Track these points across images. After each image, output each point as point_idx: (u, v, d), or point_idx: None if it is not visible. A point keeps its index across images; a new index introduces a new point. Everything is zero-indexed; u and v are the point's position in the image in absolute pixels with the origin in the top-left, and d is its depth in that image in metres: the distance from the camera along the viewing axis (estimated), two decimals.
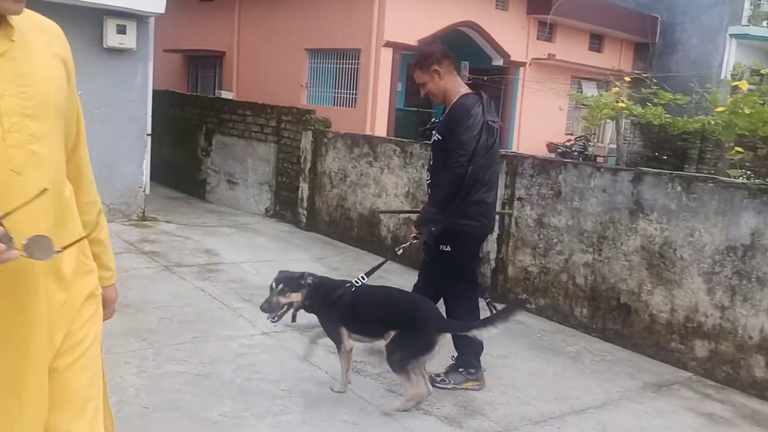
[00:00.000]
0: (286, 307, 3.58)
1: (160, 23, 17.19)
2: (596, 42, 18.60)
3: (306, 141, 7.85)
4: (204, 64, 17.20)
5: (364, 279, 3.67)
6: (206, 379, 3.72)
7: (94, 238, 1.69)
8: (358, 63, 13.20)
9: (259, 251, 6.74)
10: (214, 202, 9.22)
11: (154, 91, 7.24)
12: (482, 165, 3.62)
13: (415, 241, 3.82)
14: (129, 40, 6.92)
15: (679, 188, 4.50)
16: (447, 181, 3.62)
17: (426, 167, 4.22)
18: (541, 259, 5.36)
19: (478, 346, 3.80)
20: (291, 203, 8.12)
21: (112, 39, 6.82)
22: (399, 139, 7.48)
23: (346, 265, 6.41)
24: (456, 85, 3.78)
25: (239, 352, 4.13)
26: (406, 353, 3.44)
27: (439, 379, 3.84)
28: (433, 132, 3.88)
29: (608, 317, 4.92)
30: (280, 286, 3.59)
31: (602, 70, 17.38)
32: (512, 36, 15.71)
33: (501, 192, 5.57)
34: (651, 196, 4.65)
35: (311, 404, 3.54)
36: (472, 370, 3.87)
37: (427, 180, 3.96)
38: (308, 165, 7.83)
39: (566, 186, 5.18)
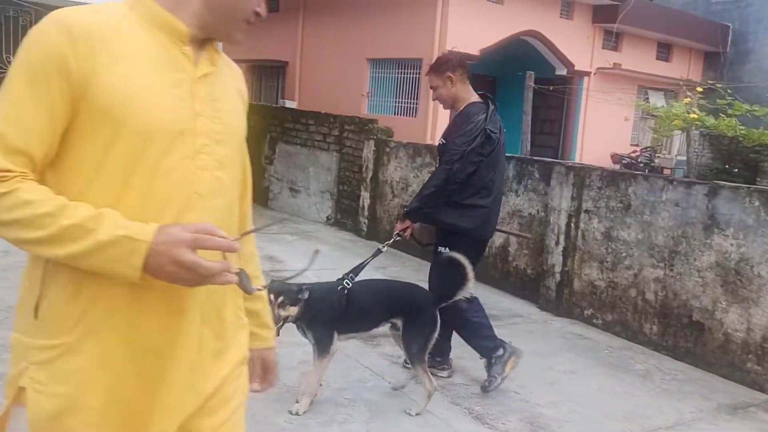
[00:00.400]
0: (282, 321, 3.36)
1: None
2: (664, 51, 18.13)
3: (368, 150, 7.89)
4: (268, 74, 17.52)
5: (352, 278, 3.63)
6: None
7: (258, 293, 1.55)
8: (419, 72, 13.20)
9: (321, 260, 6.77)
10: (277, 210, 9.35)
11: None
12: (475, 170, 3.69)
13: (398, 238, 4.02)
14: None
15: (757, 203, 4.32)
16: (434, 177, 3.80)
17: None
18: (609, 273, 5.23)
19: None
20: (352, 212, 8.17)
21: None
22: None
23: (405, 275, 6.38)
24: (467, 94, 3.88)
25: (304, 359, 4.15)
26: (420, 340, 3.51)
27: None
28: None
29: (680, 335, 4.75)
30: (280, 298, 3.33)
31: (670, 80, 16.91)
32: (577, 45, 15.46)
33: (567, 203, 5.46)
34: (727, 211, 4.48)
35: (375, 414, 3.53)
36: (438, 358, 4.00)
37: None
38: (370, 174, 7.86)
39: (636, 199, 5.04)
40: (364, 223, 7.96)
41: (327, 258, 6.88)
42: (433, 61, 4.01)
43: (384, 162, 7.74)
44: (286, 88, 16.13)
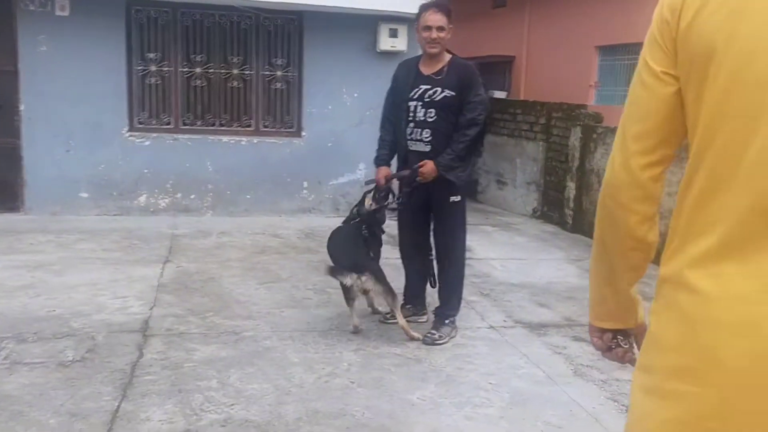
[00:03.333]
0: None
1: (457, 32, 17.78)
2: None
3: (575, 137, 7.44)
4: (494, 70, 17.40)
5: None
6: (418, 363, 3.70)
7: None
8: None
9: (513, 249, 6.56)
10: (484, 203, 9.23)
11: None
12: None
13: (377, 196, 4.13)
14: (400, 43, 7.28)
15: None
16: (472, 137, 3.86)
17: (412, 123, 3.96)
18: None
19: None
20: (558, 203, 7.77)
21: (384, 43, 7.25)
22: None
23: None
24: None
25: (460, 343, 4.04)
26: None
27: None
28: (430, 89, 3.88)
29: None
30: None
31: None
32: None
33: None
34: None
35: (517, 402, 3.30)
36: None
37: (427, 138, 3.92)
38: (576, 163, 7.41)
39: None
40: (569, 215, 7.52)
41: (521, 249, 6.63)
42: (442, 3, 3.94)
43: (591, 149, 7.23)
44: (512, 82, 15.89)
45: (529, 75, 15.31)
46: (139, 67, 7.01)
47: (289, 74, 7.36)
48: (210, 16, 7.09)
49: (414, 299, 4.32)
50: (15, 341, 3.66)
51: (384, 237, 4.33)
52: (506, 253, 6.35)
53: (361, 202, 4.25)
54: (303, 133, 7.40)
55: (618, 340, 1.41)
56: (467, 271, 5.63)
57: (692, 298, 1.08)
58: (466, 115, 3.84)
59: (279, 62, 7.32)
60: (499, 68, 16.74)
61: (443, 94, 3.87)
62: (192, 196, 7.23)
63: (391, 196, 4.24)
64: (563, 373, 3.67)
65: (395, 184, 4.28)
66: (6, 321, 3.94)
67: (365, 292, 4.01)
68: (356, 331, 4.05)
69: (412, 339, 3.98)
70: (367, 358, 3.72)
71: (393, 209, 4.30)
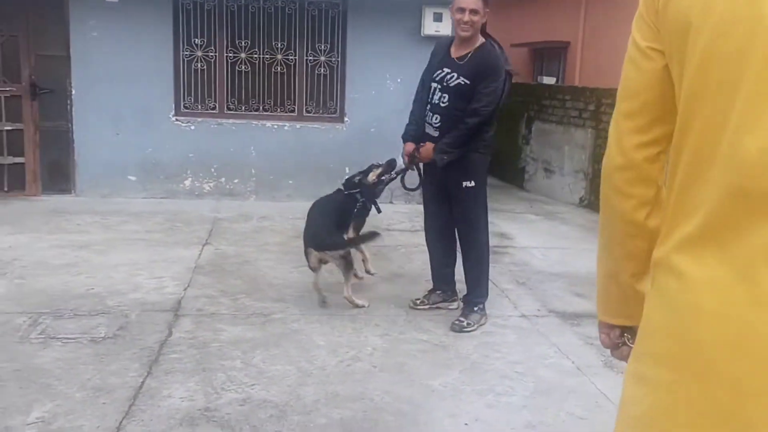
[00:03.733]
0: None
1: (509, 18, 17.50)
2: None
3: None
4: (549, 56, 17.06)
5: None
6: (443, 350, 3.66)
7: None
8: None
9: (556, 239, 6.42)
10: (531, 191, 9.07)
11: None
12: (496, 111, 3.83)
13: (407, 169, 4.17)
14: (445, 28, 7.17)
15: None
16: (470, 126, 3.75)
17: (428, 106, 3.94)
18: None
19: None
20: None
21: (429, 27, 7.16)
22: None
23: None
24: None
25: (488, 330, 3.98)
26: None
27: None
28: (449, 73, 3.81)
29: None
30: None
31: None
32: None
33: None
34: None
35: (541, 391, 3.23)
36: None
37: (436, 123, 3.88)
38: None
39: None
40: None
41: (564, 238, 6.48)
42: None
43: None
44: (567, 69, 15.53)
45: (584, 61, 14.92)
46: (186, 53, 7.13)
47: (333, 59, 7.36)
48: (255, 2, 7.14)
49: (442, 285, 4.27)
50: (52, 317, 3.78)
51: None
52: (548, 242, 6.22)
53: (366, 172, 4.33)
54: (346, 119, 7.40)
55: (626, 338, 1.35)
56: (506, 258, 5.59)
57: (676, 283, 1.04)
58: (472, 105, 3.75)
59: (322, 47, 7.33)
60: (553, 54, 16.39)
61: (458, 81, 3.78)
62: (235, 181, 7.33)
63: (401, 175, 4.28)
64: (593, 364, 3.57)
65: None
66: (46, 297, 4.08)
67: (324, 262, 4.12)
68: (323, 305, 4.14)
69: (356, 307, 4.10)
70: (392, 344, 3.70)
71: (409, 189, 4.34)
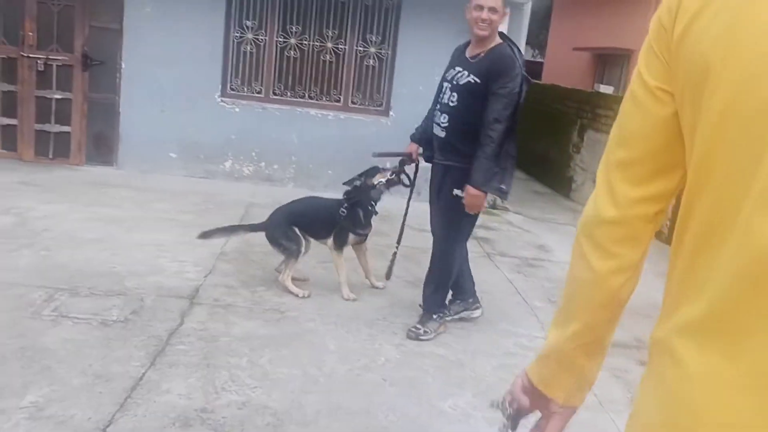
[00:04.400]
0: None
1: (573, 22, 17.01)
2: None
3: None
4: (611, 62, 16.56)
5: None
6: (459, 367, 3.50)
7: None
8: None
9: None
10: (577, 201, 8.77)
11: (540, 84, 7.09)
12: (517, 116, 3.60)
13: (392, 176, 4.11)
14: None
15: None
16: (498, 136, 3.51)
17: (438, 105, 3.75)
18: None
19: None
20: None
21: None
22: None
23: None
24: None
25: (510, 351, 3.80)
26: None
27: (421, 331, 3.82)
28: (460, 72, 3.64)
29: None
30: None
31: None
32: None
33: None
34: None
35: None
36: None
37: (444, 123, 3.68)
38: None
39: None
40: (666, 224, 6.98)
41: None
42: None
43: None
44: (628, 78, 15.01)
45: None
46: (237, 34, 7.07)
47: (383, 51, 7.21)
48: None
49: (460, 293, 4.10)
50: (68, 294, 3.76)
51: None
52: None
53: (368, 173, 4.22)
54: (391, 113, 7.25)
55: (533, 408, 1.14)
56: (540, 273, 5.38)
57: (676, 371, 0.87)
58: (488, 114, 3.51)
59: (373, 39, 7.18)
60: (615, 61, 15.89)
61: (467, 79, 3.59)
62: (275, 166, 7.26)
63: (403, 176, 4.15)
64: (617, 399, 3.37)
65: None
66: (66, 272, 4.06)
67: None
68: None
69: (298, 296, 4.12)
70: (406, 356, 3.55)
71: (405, 185, 4.17)
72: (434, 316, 3.86)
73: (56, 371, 2.92)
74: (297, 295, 4.14)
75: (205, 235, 4.24)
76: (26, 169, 6.63)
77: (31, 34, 6.82)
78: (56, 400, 2.70)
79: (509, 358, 3.69)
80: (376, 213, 4.28)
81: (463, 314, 4.07)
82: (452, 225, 3.80)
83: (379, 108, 7.30)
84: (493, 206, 7.47)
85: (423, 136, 3.97)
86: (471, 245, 5.89)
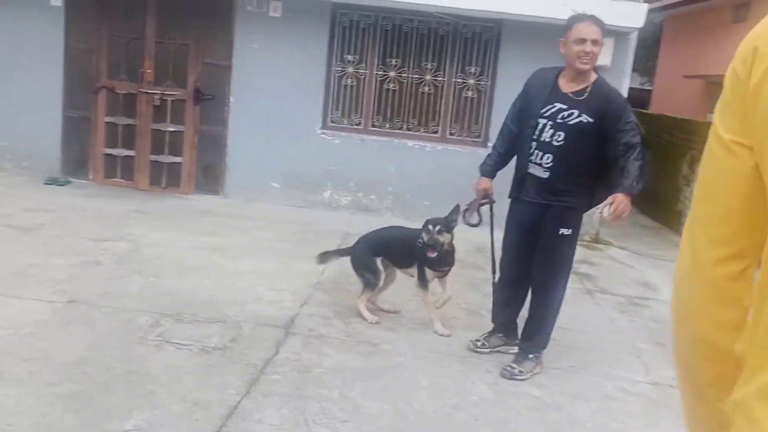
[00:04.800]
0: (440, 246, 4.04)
1: (683, 48, 16.34)
2: None
3: None
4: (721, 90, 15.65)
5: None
6: (556, 410, 3.37)
7: None
8: None
9: None
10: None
11: (648, 114, 6.81)
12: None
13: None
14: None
15: None
16: (639, 154, 3.41)
17: (535, 143, 3.56)
18: None
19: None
20: None
21: None
22: None
23: None
24: None
25: (611, 395, 3.62)
26: None
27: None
28: (565, 110, 3.51)
29: None
30: (437, 227, 4.04)
31: None
32: None
33: None
34: None
35: None
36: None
37: (548, 163, 3.55)
38: None
39: None
40: None
41: None
42: (597, 18, 3.50)
43: None
44: None
45: None
46: (338, 69, 7.27)
47: (482, 83, 7.19)
48: (409, 22, 7.14)
49: (505, 328, 3.98)
50: (173, 320, 3.93)
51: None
52: None
53: (452, 212, 4.08)
54: (489, 144, 7.17)
55: None
56: (645, 312, 5.13)
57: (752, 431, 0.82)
58: (620, 140, 3.43)
59: (472, 70, 7.18)
60: None
61: (579, 119, 3.48)
62: (372, 197, 7.35)
63: (475, 216, 3.98)
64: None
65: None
66: (171, 299, 4.25)
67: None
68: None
69: (368, 322, 4.16)
70: (500, 395, 3.46)
71: (472, 225, 4.00)
72: (530, 356, 3.75)
73: (158, 396, 3.04)
74: (367, 321, 4.18)
75: (323, 258, 4.53)
76: (141, 198, 7.04)
77: (149, 71, 7.29)
78: (157, 425, 2.81)
79: (609, 403, 3.52)
80: (451, 249, 4.15)
81: (501, 348, 3.97)
82: (556, 263, 3.70)
83: (477, 139, 7.26)
84: (596, 240, 7.23)
85: (495, 171, 3.90)
86: (572, 281, 5.73)
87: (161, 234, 5.73)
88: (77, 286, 4.29)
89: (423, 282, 4.17)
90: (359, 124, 7.36)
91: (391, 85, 7.28)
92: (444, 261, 4.12)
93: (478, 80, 7.19)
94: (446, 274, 4.21)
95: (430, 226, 4.06)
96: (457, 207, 4.07)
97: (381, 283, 4.27)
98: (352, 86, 7.30)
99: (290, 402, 3.12)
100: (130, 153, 7.44)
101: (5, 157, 7.38)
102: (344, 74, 7.29)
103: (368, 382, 3.42)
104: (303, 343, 3.80)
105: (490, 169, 3.94)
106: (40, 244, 5.14)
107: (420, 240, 4.06)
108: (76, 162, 7.47)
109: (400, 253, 4.29)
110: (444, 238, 4.04)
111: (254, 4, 7.09)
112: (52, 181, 7.18)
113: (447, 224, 4.08)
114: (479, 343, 3.96)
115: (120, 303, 4.09)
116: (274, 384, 3.28)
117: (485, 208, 4.01)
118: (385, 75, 7.26)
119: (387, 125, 7.34)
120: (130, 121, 7.40)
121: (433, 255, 4.01)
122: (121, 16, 7.25)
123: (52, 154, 7.37)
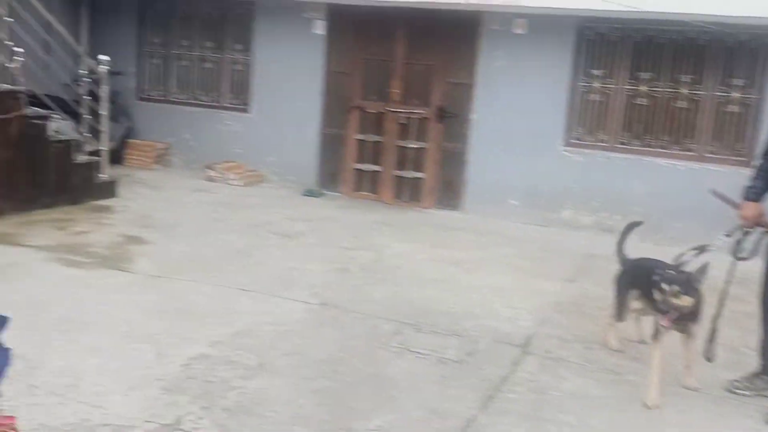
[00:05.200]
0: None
1: None
2: None
3: None
4: None
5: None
6: None
7: None
8: None
9: None
10: None
11: None
12: None
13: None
14: None
15: None
16: None
17: None
18: None
19: None
20: None
21: None
22: None
23: None
24: None
25: None
26: None
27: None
28: None
29: None
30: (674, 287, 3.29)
31: None
32: None
33: None
34: None
35: None
36: None
37: None
38: None
39: None
40: None
41: None
42: None
43: None
44: None
45: None
46: (582, 83, 7.04)
47: (749, 96, 6.49)
48: (663, 34, 6.70)
49: None
50: (413, 329, 4.07)
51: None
52: None
53: (690, 282, 3.32)
54: (753, 163, 6.45)
55: None
56: None
57: None
58: None
59: (737, 83, 6.52)
60: None
61: None
62: (617, 217, 6.95)
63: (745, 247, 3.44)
64: None
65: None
66: (413, 308, 4.41)
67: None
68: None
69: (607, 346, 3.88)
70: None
71: (741, 258, 3.48)
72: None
73: (398, 400, 3.17)
74: (607, 345, 3.97)
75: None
76: (385, 211, 7.44)
77: (396, 91, 7.70)
78: (398, 428, 2.93)
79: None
80: (680, 293, 3.30)
81: (766, 393, 3.45)
82: None
83: (741, 159, 6.56)
84: None
85: (765, 192, 3.49)
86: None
87: (403, 245, 6.00)
88: (329, 291, 4.65)
89: (655, 333, 3.44)
90: (604, 141, 7.05)
91: (642, 100, 6.87)
92: (671, 306, 3.33)
93: (745, 94, 6.51)
94: (685, 327, 3.48)
95: (665, 286, 3.30)
96: (706, 266, 3.36)
97: (623, 318, 3.97)
98: (598, 102, 7.03)
99: (527, 422, 3.07)
100: (377, 168, 7.90)
101: (272, 170, 8.27)
102: (589, 89, 7.04)
103: (610, 413, 3.23)
104: (540, 364, 3.72)
105: (757, 192, 3.52)
106: (300, 250, 5.67)
107: (653, 292, 3.41)
108: (329, 176, 8.12)
109: (648, 292, 3.59)
110: (683, 302, 3.29)
111: (499, 23, 7.15)
112: (309, 193, 7.89)
113: (688, 285, 3.29)
114: (741, 385, 3.54)
115: (365, 309, 4.34)
116: (510, 402, 3.25)
117: (754, 237, 3.56)
118: (634, 89, 6.88)
119: (636, 143, 6.95)
120: (378, 138, 7.86)
121: (666, 324, 3.32)
122: (375, 41, 7.76)
123: (310, 168, 8.11)
